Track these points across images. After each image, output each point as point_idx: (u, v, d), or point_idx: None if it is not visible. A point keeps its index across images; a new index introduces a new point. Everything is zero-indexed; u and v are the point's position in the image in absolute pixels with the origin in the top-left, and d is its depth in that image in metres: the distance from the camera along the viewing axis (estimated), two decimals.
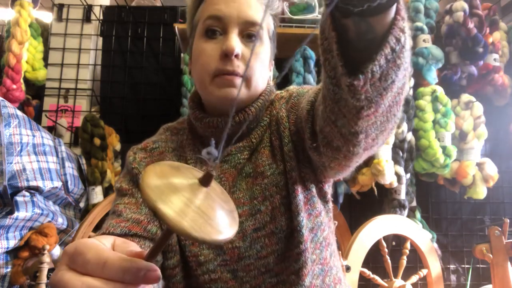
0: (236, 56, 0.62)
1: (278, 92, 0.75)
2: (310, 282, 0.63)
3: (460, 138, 1.77)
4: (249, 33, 0.65)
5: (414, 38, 1.83)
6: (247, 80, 0.65)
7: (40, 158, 1.48)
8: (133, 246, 0.36)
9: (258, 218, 0.63)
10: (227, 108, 0.65)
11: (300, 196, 0.64)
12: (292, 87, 0.74)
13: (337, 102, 0.45)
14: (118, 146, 1.82)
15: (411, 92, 1.76)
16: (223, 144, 0.30)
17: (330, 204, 0.72)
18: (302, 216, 0.63)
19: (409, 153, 1.72)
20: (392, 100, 0.44)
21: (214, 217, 0.29)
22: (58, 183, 1.50)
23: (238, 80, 0.63)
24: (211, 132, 0.67)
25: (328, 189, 0.71)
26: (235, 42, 0.62)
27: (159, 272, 0.31)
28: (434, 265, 1.51)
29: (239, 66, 0.63)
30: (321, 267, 0.66)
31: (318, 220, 0.66)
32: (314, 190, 0.67)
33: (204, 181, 0.30)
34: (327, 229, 0.69)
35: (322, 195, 0.69)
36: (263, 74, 0.68)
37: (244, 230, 0.63)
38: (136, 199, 0.66)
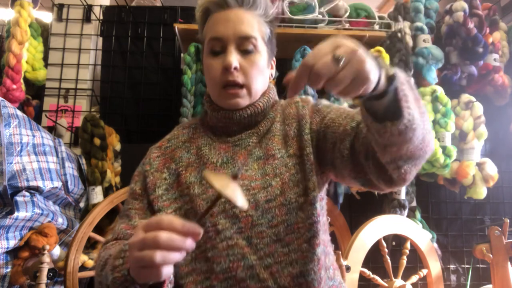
0: (235, 68, 0.76)
1: (289, 99, 0.86)
2: (320, 254, 0.72)
3: (460, 138, 1.77)
4: (245, 48, 0.78)
5: (414, 38, 1.83)
6: (248, 89, 0.78)
7: (40, 158, 1.48)
8: None
9: (270, 191, 0.73)
10: (235, 109, 0.82)
11: (315, 177, 0.75)
12: (305, 97, 0.87)
13: (375, 139, 0.60)
14: (118, 146, 1.82)
15: None
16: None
17: (325, 194, 0.84)
18: (316, 192, 0.73)
19: None
20: (414, 147, 0.59)
21: (239, 193, 0.54)
22: (58, 183, 1.50)
23: (240, 91, 0.77)
24: (224, 122, 0.81)
25: (328, 179, 0.82)
26: (233, 58, 0.76)
27: (202, 232, 0.51)
28: (434, 265, 1.51)
29: (238, 76, 0.77)
30: (323, 248, 0.74)
31: (322, 204, 0.77)
32: (322, 175, 0.78)
33: (233, 177, 0.55)
34: (325, 215, 0.80)
35: (323, 183, 0.80)
36: (261, 79, 0.80)
37: (257, 201, 0.72)
38: (143, 204, 0.80)
